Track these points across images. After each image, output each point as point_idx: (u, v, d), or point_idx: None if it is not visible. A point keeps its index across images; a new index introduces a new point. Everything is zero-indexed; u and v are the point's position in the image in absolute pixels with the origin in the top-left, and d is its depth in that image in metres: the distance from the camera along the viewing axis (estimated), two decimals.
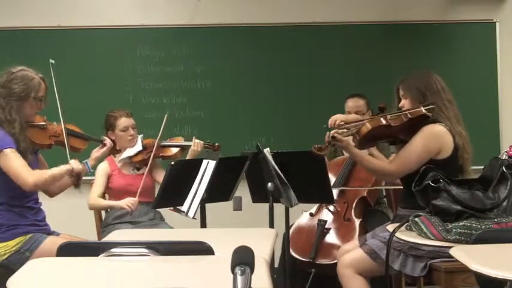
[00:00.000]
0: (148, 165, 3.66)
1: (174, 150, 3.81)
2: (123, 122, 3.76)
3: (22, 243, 2.89)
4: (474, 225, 2.44)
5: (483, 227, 2.43)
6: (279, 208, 3.27)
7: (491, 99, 4.98)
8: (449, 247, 2.14)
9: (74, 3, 4.90)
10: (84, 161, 3.23)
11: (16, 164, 2.85)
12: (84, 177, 3.28)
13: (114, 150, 3.68)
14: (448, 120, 2.88)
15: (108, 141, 3.40)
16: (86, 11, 4.89)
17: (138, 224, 3.70)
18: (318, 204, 3.75)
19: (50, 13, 4.84)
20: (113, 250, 1.83)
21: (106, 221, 3.77)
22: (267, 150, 3.16)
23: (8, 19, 4.80)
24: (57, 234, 3.07)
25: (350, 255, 2.87)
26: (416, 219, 2.58)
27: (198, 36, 4.93)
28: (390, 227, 2.69)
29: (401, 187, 3.08)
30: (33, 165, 3.02)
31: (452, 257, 1.97)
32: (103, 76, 4.83)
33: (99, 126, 3.74)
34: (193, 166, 3.24)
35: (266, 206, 3.21)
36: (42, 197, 3.15)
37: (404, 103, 2.97)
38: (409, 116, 2.84)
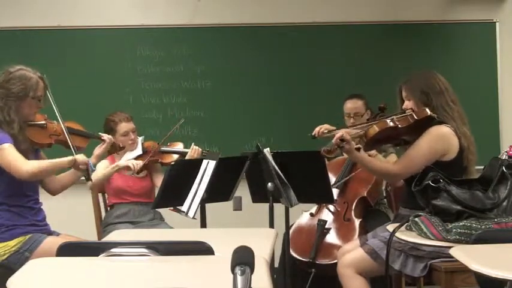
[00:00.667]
0: (147, 162, 3.67)
1: (174, 157, 3.82)
2: (123, 127, 3.76)
3: (22, 244, 2.89)
4: (474, 225, 2.44)
5: (483, 227, 2.43)
6: (279, 208, 3.27)
7: (491, 99, 4.98)
8: (449, 247, 2.14)
9: (74, 3, 4.89)
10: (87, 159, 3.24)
11: (13, 156, 2.83)
12: (81, 178, 3.28)
13: (118, 148, 3.66)
14: (453, 121, 2.88)
15: (106, 136, 3.39)
16: (86, 11, 4.89)
17: (138, 224, 3.70)
18: (318, 204, 3.75)
19: (50, 13, 4.84)
20: (113, 250, 1.83)
21: (106, 220, 3.78)
22: (267, 150, 3.16)
23: (8, 19, 4.80)
24: (57, 235, 3.06)
25: (350, 255, 2.87)
26: (416, 219, 2.58)
27: (198, 36, 4.93)
28: (390, 227, 2.69)
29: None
30: None
31: (452, 257, 1.96)
32: (103, 76, 4.83)
33: (99, 127, 3.74)
34: (193, 166, 3.24)
35: (266, 206, 3.21)
36: (42, 197, 3.15)
37: (408, 104, 2.97)
38: (415, 117, 2.84)
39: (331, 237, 3.58)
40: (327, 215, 3.67)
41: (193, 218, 3.17)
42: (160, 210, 3.75)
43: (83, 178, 3.18)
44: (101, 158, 3.42)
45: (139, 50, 4.89)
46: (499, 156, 3.48)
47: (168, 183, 3.23)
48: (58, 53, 4.78)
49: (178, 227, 3.56)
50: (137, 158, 3.79)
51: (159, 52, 4.90)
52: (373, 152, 3.50)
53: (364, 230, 3.43)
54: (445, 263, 2.50)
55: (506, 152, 4.10)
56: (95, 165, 3.30)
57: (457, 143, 2.84)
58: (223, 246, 1.66)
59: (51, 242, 2.85)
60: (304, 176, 3.15)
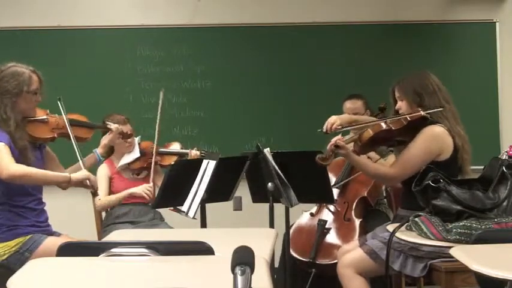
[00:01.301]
0: (151, 174, 3.66)
1: (173, 158, 3.81)
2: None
3: (22, 244, 2.88)
4: (474, 225, 2.44)
5: (483, 227, 2.43)
6: (279, 208, 3.27)
7: (491, 99, 4.98)
8: (450, 247, 2.14)
9: (74, 3, 4.90)
10: (94, 150, 3.24)
11: (2, 156, 2.79)
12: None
13: (126, 136, 3.61)
14: (446, 120, 2.88)
15: (113, 126, 3.39)
16: (86, 11, 4.89)
17: (138, 224, 3.70)
18: (318, 204, 3.75)
19: (50, 13, 4.84)
20: (113, 250, 1.83)
21: (106, 221, 3.77)
22: (267, 150, 3.16)
23: (8, 19, 4.80)
24: (58, 235, 3.06)
25: (350, 255, 2.87)
26: (416, 219, 2.58)
27: (198, 36, 4.93)
28: (390, 227, 2.69)
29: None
30: (38, 161, 3.01)
31: (452, 257, 1.96)
32: (103, 76, 4.83)
33: None
34: (193, 166, 3.24)
35: (266, 206, 3.21)
36: (42, 197, 3.15)
37: (401, 105, 2.96)
38: (408, 118, 2.84)
39: (331, 237, 3.58)
40: (327, 215, 3.68)
41: (193, 218, 3.17)
42: (160, 210, 3.75)
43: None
44: (107, 147, 3.41)
45: (139, 50, 4.89)
46: (499, 156, 3.48)
47: (168, 183, 3.23)
48: (58, 53, 4.78)
49: (178, 227, 3.56)
50: (135, 160, 3.78)
51: (159, 52, 4.90)
52: (373, 154, 3.51)
53: (364, 230, 3.43)
54: (445, 263, 2.50)
55: (506, 152, 4.10)
56: (102, 156, 3.30)
57: (451, 142, 2.84)
58: (223, 246, 1.66)
59: (51, 243, 2.84)
60: (304, 176, 3.15)
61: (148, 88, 4.89)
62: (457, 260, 1.90)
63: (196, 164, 3.25)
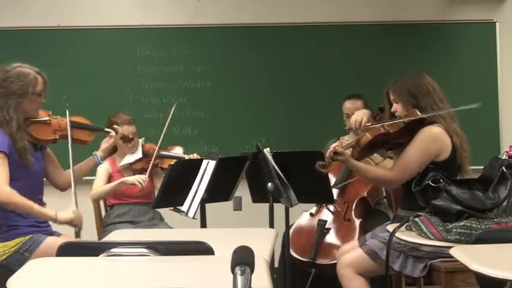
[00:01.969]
0: (147, 172, 3.66)
1: (173, 161, 3.81)
2: (125, 130, 3.73)
3: (21, 244, 2.88)
4: (474, 225, 2.44)
5: (483, 227, 2.43)
6: (279, 208, 3.27)
7: (491, 99, 4.98)
8: (449, 247, 2.13)
9: (74, 3, 4.90)
10: (93, 153, 3.23)
11: None
12: (84, 178, 3.28)
13: (127, 140, 3.61)
14: (443, 119, 2.87)
15: (113, 132, 3.39)
16: (86, 11, 4.89)
17: (138, 223, 3.70)
18: (318, 204, 3.75)
19: (50, 13, 4.84)
20: (113, 250, 1.83)
21: (106, 220, 3.78)
22: (267, 150, 3.16)
23: (8, 19, 4.80)
24: (59, 235, 3.06)
25: (350, 255, 2.87)
26: (416, 219, 2.58)
27: (198, 36, 4.92)
28: (390, 227, 2.69)
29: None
30: (39, 161, 3.01)
31: (452, 257, 1.96)
32: (103, 76, 4.83)
33: None
34: (193, 166, 3.24)
35: (266, 206, 3.21)
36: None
37: (397, 107, 2.96)
38: (405, 121, 2.84)
39: (331, 237, 3.58)
40: (327, 215, 3.68)
41: (193, 218, 3.17)
42: (160, 210, 3.75)
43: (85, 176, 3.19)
44: (108, 151, 3.41)
45: (139, 50, 4.89)
46: (499, 156, 3.48)
47: (168, 183, 3.23)
48: (58, 53, 4.78)
49: (178, 227, 3.56)
50: (137, 161, 3.79)
51: (159, 52, 4.90)
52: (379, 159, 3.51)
53: (364, 230, 3.43)
54: (445, 263, 2.50)
55: (506, 152, 4.10)
56: (102, 159, 3.30)
57: (449, 142, 2.84)
58: (223, 246, 1.66)
59: (51, 242, 2.84)
60: (304, 176, 3.14)
61: (149, 88, 4.89)
62: (457, 260, 1.90)
63: (196, 164, 3.25)
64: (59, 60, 4.75)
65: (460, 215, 2.50)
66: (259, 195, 3.35)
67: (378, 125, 2.92)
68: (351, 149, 2.93)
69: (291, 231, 3.58)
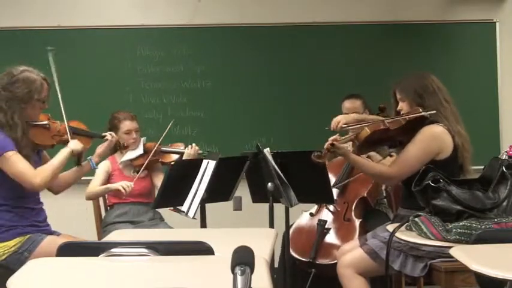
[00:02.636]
0: (143, 166, 3.67)
1: (174, 156, 3.84)
2: (127, 125, 3.78)
3: (21, 244, 2.88)
4: (474, 225, 2.44)
5: (483, 227, 2.43)
6: (279, 208, 3.27)
7: (491, 99, 4.98)
8: (449, 247, 2.14)
9: (74, 3, 4.90)
10: (88, 158, 3.21)
11: (20, 167, 2.84)
12: (83, 177, 3.27)
13: (122, 147, 3.62)
14: (446, 120, 2.88)
15: (108, 136, 3.38)
16: (86, 11, 4.89)
17: (138, 223, 3.70)
18: (318, 204, 3.75)
19: (50, 13, 4.84)
20: (113, 250, 1.83)
21: (106, 220, 3.78)
22: (267, 150, 3.16)
23: (8, 19, 4.80)
24: (58, 235, 3.05)
25: (350, 255, 2.87)
26: (416, 219, 2.58)
27: (198, 36, 4.93)
28: (390, 227, 2.69)
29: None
30: (37, 165, 3.01)
31: (452, 257, 1.97)
32: (103, 76, 4.83)
33: (100, 127, 3.73)
34: (193, 166, 3.24)
35: (266, 206, 3.21)
36: (41, 197, 3.15)
37: (402, 106, 2.96)
38: (406, 118, 2.84)
39: (331, 237, 3.58)
40: (326, 215, 3.68)
41: (193, 218, 3.18)
42: (160, 210, 3.75)
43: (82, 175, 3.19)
44: (103, 156, 3.41)
45: (139, 50, 4.89)
46: (499, 156, 3.48)
47: (168, 183, 3.23)
48: (58, 53, 4.76)
49: (178, 227, 3.56)
50: (138, 157, 3.80)
51: (159, 52, 4.90)
52: (373, 153, 3.51)
53: (364, 230, 3.43)
54: (445, 263, 2.50)
55: (506, 152, 4.10)
56: (97, 164, 3.29)
57: (450, 141, 2.84)
58: (223, 246, 1.66)
59: (50, 242, 2.84)
60: (304, 176, 3.14)
61: (149, 88, 4.89)
62: (457, 260, 1.90)
63: (196, 164, 3.25)
64: (59, 60, 4.73)
65: (460, 215, 2.50)
66: (259, 195, 3.35)
67: (355, 126, 2.95)
68: (350, 143, 2.93)
69: (291, 231, 3.58)
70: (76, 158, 3.10)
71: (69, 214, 4.30)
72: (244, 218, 4.71)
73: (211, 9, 4.94)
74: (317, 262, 3.49)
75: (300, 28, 4.94)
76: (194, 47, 4.91)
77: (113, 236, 2.53)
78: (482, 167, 2.69)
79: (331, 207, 3.68)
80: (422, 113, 2.82)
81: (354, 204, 3.64)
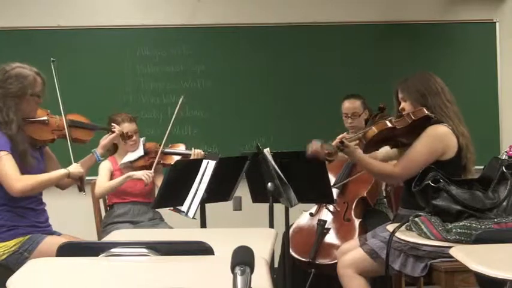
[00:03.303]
0: (153, 168, 3.67)
1: (175, 158, 3.82)
2: (126, 127, 3.73)
3: (21, 244, 2.88)
4: (474, 225, 2.44)
5: (483, 227, 2.43)
6: (279, 208, 3.27)
7: (491, 99, 4.99)
8: (449, 247, 2.13)
9: (74, 3, 4.90)
10: (92, 150, 3.22)
11: (6, 169, 2.80)
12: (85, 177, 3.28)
13: (127, 137, 3.61)
14: (450, 120, 2.88)
15: (117, 128, 3.38)
16: (86, 11, 4.89)
17: (138, 223, 3.70)
18: (317, 204, 3.75)
19: (50, 13, 4.84)
20: (113, 250, 1.83)
21: (106, 220, 3.78)
22: (267, 150, 3.16)
23: (8, 19, 4.80)
24: (59, 235, 3.05)
25: (350, 255, 2.87)
26: (416, 219, 2.58)
27: (198, 36, 4.93)
28: (390, 227, 2.69)
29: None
30: (39, 161, 3.01)
31: (452, 257, 1.97)
32: (103, 76, 4.83)
33: None
34: (193, 166, 3.24)
35: (266, 206, 3.21)
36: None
37: (405, 106, 2.97)
38: (412, 117, 2.84)
39: (331, 237, 3.58)
40: (326, 215, 3.68)
41: (193, 218, 3.18)
42: (160, 210, 3.75)
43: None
44: (107, 148, 3.41)
45: (139, 50, 4.89)
46: (499, 156, 3.49)
47: (168, 183, 3.23)
48: (58, 53, 4.77)
49: (178, 227, 3.56)
50: (139, 159, 3.80)
51: (159, 52, 4.90)
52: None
53: (364, 230, 3.43)
54: (445, 263, 2.50)
55: (506, 152, 4.11)
56: (102, 156, 3.29)
57: (455, 142, 2.84)
58: (223, 246, 1.66)
59: (50, 242, 2.84)
60: (304, 176, 3.15)
61: (148, 88, 4.89)
62: (457, 260, 1.90)
63: (196, 164, 3.25)
64: (59, 60, 4.74)
65: (460, 215, 2.50)
66: (259, 195, 3.35)
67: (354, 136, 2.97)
68: (357, 141, 2.94)
69: (291, 231, 3.58)
70: (78, 182, 3.06)
71: (69, 214, 4.30)
72: (244, 218, 4.71)
73: (211, 9, 4.95)
74: (317, 262, 3.49)
75: (300, 28, 4.94)
76: (194, 47, 4.91)
77: (113, 236, 2.52)
78: (482, 167, 2.69)
79: (331, 207, 3.68)
80: (427, 113, 2.83)
81: (354, 204, 3.64)
